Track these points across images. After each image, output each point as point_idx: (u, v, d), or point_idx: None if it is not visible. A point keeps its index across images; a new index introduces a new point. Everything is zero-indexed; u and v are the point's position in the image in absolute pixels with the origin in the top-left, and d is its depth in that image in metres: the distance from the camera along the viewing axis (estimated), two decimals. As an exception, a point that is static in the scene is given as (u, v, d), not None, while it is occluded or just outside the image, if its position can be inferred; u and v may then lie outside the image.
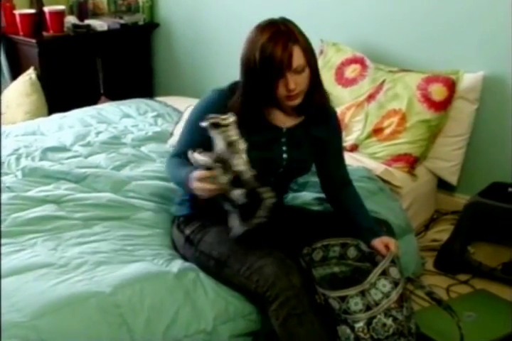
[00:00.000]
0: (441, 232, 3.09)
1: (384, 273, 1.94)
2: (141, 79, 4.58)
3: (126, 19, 4.34)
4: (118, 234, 2.23)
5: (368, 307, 1.91)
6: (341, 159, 2.31)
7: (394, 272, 1.96)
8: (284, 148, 2.14)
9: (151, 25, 4.50)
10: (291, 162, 2.17)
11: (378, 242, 2.09)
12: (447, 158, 3.14)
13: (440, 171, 3.17)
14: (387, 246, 2.07)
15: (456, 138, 3.12)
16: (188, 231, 2.16)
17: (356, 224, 2.19)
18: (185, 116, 3.36)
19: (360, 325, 1.91)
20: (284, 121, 2.14)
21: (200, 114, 1.97)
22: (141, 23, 4.42)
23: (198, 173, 1.86)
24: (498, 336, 2.34)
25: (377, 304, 1.91)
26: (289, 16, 3.66)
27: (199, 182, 1.85)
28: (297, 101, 2.03)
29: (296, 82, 1.96)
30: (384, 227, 2.27)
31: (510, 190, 2.83)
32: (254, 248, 2.00)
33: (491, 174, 3.08)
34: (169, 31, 4.46)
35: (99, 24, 4.25)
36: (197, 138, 2.02)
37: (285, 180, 2.31)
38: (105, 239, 2.19)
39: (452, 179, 3.19)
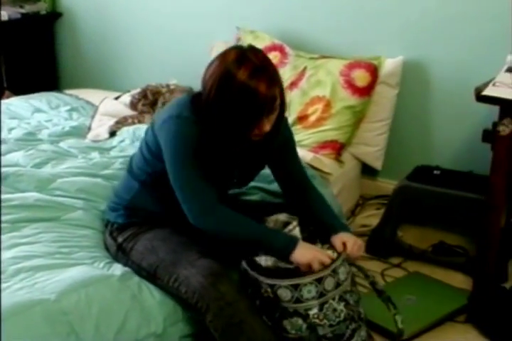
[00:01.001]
0: (369, 217, 3.12)
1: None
2: (46, 72, 4.36)
3: (28, 8, 4.12)
4: (50, 236, 2.10)
5: (322, 294, 1.87)
6: (299, 161, 2.22)
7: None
8: (236, 172, 2.07)
9: (54, 15, 4.28)
10: (240, 181, 2.13)
11: (336, 239, 2.00)
12: (371, 143, 3.16)
13: (364, 156, 3.19)
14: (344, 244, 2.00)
15: (379, 123, 3.14)
16: (120, 240, 2.07)
17: (317, 220, 2.10)
18: (101, 109, 3.26)
19: (314, 311, 1.87)
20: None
21: (187, 153, 1.88)
22: (43, 12, 4.21)
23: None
24: (441, 316, 2.39)
25: (330, 291, 1.88)
26: (201, 4, 3.65)
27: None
28: (261, 138, 1.93)
29: (269, 122, 1.87)
30: None
31: (435, 172, 2.89)
32: (181, 255, 1.92)
33: (414, 158, 3.13)
34: (73, 21, 4.27)
35: (-2, 14, 4.01)
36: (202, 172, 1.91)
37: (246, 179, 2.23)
38: (38, 242, 2.06)
39: (377, 164, 3.22)
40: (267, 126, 1.86)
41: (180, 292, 1.86)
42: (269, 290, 1.87)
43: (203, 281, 1.81)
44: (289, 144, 2.17)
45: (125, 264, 2.01)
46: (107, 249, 2.11)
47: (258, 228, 1.93)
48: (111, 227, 2.12)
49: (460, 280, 2.65)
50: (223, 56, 1.84)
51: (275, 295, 1.87)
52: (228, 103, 1.80)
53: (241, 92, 1.77)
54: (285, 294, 1.86)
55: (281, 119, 1.96)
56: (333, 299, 1.88)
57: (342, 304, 1.89)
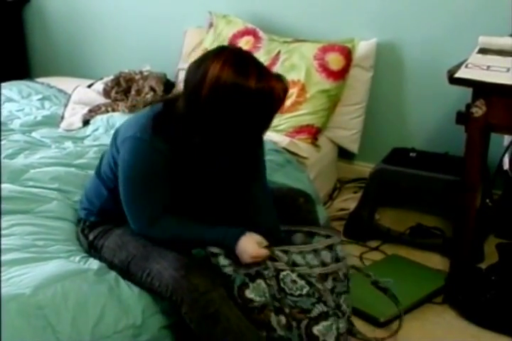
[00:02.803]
0: (347, 201, 3.12)
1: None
2: (16, 60, 4.28)
3: (-6, -5, 4.04)
4: (25, 229, 2.07)
5: (272, 258, 1.89)
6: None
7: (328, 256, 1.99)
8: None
9: (21, 1, 4.19)
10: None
11: None
12: (347, 127, 3.15)
13: (341, 140, 3.19)
14: None
15: (355, 106, 3.13)
16: (91, 237, 2.04)
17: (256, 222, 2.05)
18: (74, 97, 3.22)
19: (267, 271, 1.89)
20: None
21: (140, 174, 1.86)
22: (10, -2, 4.12)
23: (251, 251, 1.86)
24: (419, 298, 2.40)
25: (284, 262, 1.90)
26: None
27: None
28: None
29: None
30: (302, 198, 2.22)
31: (411, 154, 2.89)
32: (152, 249, 1.90)
33: (391, 140, 3.13)
34: (41, 7, 4.19)
35: (-39, 1, 3.94)
36: (165, 192, 1.90)
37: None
38: (12, 234, 2.03)
39: (353, 147, 3.22)
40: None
41: (154, 286, 1.85)
42: (232, 257, 1.87)
43: (174, 274, 1.80)
44: None
45: (99, 261, 1.98)
46: (81, 245, 2.09)
47: (199, 229, 1.92)
48: (83, 224, 2.09)
49: (438, 262, 2.67)
50: (212, 60, 1.76)
51: (236, 263, 1.87)
52: (244, 110, 1.75)
53: (258, 97, 1.73)
54: None
55: None
56: (292, 271, 1.90)
57: (303, 281, 1.90)
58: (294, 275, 1.90)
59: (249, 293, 1.88)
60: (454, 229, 2.47)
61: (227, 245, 1.87)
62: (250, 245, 1.86)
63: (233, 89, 1.72)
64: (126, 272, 1.92)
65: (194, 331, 1.82)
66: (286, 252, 1.92)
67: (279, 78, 1.80)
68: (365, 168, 3.19)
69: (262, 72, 1.76)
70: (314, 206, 2.29)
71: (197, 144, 1.85)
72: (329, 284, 1.95)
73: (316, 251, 1.97)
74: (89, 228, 2.07)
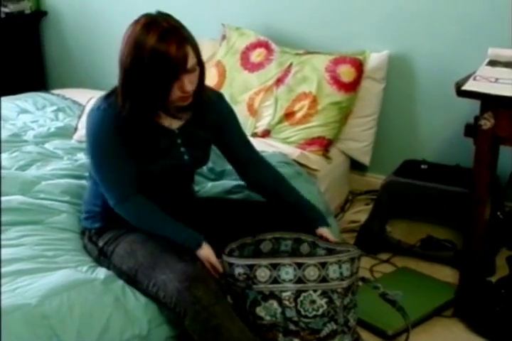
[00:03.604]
0: (358, 213, 3.12)
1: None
2: (33, 72, 4.35)
3: (12, 8, 4.10)
4: (34, 239, 2.09)
5: (300, 280, 1.88)
6: (244, 136, 2.24)
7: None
8: (182, 149, 2.08)
9: (39, 14, 4.27)
10: (193, 160, 2.12)
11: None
12: (359, 139, 3.15)
13: (352, 152, 3.18)
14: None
15: (366, 118, 3.13)
16: (101, 243, 2.07)
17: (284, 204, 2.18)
18: (88, 109, 3.23)
19: (287, 294, 1.88)
20: (172, 122, 2.05)
21: (102, 144, 1.96)
22: (27, 11, 4.19)
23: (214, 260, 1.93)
24: (428, 311, 2.39)
25: (311, 280, 1.89)
26: (187, 2, 3.63)
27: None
28: (190, 100, 1.95)
29: (191, 82, 1.89)
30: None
31: (422, 167, 2.89)
32: (159, 259, 1.92)
33: (402, 152, 3.13)
34: (58, 19, 4.25)
35: (-19, 14, 4.00)
36: (126, 164, 1.97)
37: (190, 174, 2.25)
38: (21, 245, 2.05)
39: (365, 159, 3.21)
40: (189, 86, 1.88)
41: (159, 296, 1.86)
42: (247, 272, 1.88)
43: (179, 286, 1.81)
44: (229, 121, 2.19)
45: (108, 268, 2.00)
46: (89, 254, 2.10)
47: (168, 223, 1.98)
48: (89, 233, 2.12)
49: (448, 275, 2.65)
50: (134, 24, 1.88)
51: (251, 278, 1.88)
52: (143, 68, 1.82)
53: (152, 56, 1.80)
54: (263, 273, 1.88)
55: (203, 78, 1.97)
56: (315, 291, 1.89)
57: (324, 300, 1.89)
58: (315, 295, 1.89)
59: (259, 311, 1.89)
60: (464, 242, 2.45)
61: (187, 246, 1.93)
62: (211, 255, 1.93)
63: (135, 43, 1.82)
64: (133, 280, 1.93)
65: None
66: (323, 265, 1.90)
67: (181, 44, 1.82)
68: (377, 179, 3.18)
69: (167, 35, 1.81)
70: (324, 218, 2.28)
71: (128, 111, 1.90)
72: (347, 299, 1.94)
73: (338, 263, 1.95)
74: (97, 235, 2.09)
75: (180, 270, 1.85)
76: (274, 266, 1.89)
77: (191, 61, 1.85)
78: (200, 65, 1.92)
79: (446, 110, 3.00)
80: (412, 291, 2.46)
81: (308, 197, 2.48)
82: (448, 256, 2.74)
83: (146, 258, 1.93)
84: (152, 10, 3.83)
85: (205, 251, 1.93)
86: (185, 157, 2.08)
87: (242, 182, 2.37)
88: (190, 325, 1.80)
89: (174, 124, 2.06)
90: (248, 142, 2.24)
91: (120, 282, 1.93)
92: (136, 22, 1.87)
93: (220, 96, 2.19)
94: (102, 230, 2.08)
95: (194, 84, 1.91)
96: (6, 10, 4.09)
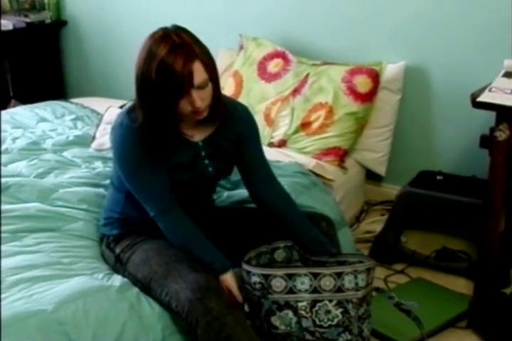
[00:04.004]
0: (373, 223, 3.12)
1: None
2: (52, 80, 4.41)
3: (32, 17, 4.17)
4: (51, 246, 2.12)
5: (316, 290, 1.89)
6: (262, 152, 2.19)
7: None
8: (207, 161, 2.08)
9: (59, 23, 4.33)
10: (217, 172, 2.12)
11: None
12: (374, 149, 3.16)
13: (368, 162, 3.19)
14: None
15: (382, 129, 3.14)
16: (118, 250, 2.08)
17: (294, 234, 2.11)
18: (106, 118, 3.28)
19: (303, 303, 1.89)
20: (195, 134, 2.05)
21: (130, 160, 1.98)
22: (48, 21, 4.26)
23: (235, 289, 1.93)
24: (442, 322, 2.39)
25: (326, 290, 1.89)
26: (205, 12, 3.67)
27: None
28: (204, 114, 1.94)
29: (202, 98, 1.88)
30: (324, 223, 2.24)
31: (438, 178, 2.88)
32: (173, 268, 1.93)
33: (418, 163, 3.13)
34: (78, 29, 4.31)
35: (3, 23, 4.05)
36: (157, 174, 1.98)
37: (212, 185, 2.27)
38: (38, 252, 2.08)
39: (380, 170, 3.22)
40: (199, 102, 1.86)
41: (171, 305, 1.87)
42: (263, 281, 1.89)
43: (190, 296, 1.82)
44: (251, 134, 2.16)
45: (123, 275, 2.02)
46: (106, 261, 2.12)
47: (203, 241, 2.00)
48: (107, 240, 2.14)
49: (463, 286, 2.65)
50: (149, 37, 1.89)
51: (266, 288, 1.88)
52: (151, 80, 1.83)
53: (159, 69, 1.81)
54: (279, 284, 1.89)
55: (218, 94, 1.96)
56: (330, 301, 1.90)
57: (339, 310, 1.90)
58: (330, 305, 1.89)
59: (274, 320, 1.90)
60: (479, 253, 2.44)
61: (214, 268, 1.94)
62: (234, 284, 1.94)
63: (146, 57, 1.84)
64: (147, 288, 1.94)
65: None
66: (339, 275, 1.91)
67: (189, 60, 1.82)
68: (392, 190, 3.18)
69: (177, 49, 1.82)
70: (335, 230, 2.29)
71: (144, 122, 1.92)
72: (362, 310, 1.94)
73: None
74: (114, 242, 2.11)
75: (193, 280, 1.86)
76: (290, 276, 1.89)
77: (200, 77, 1.84)
78: (213, 80, 1.91)
79: (462, 121, 3.01)
80: (427, 302, 2.44)
81: (323, 207, 2.51)
82: (463, 267, 2.74)
83: (161, 267, 1.94)
84: (170, 19, 3.88)
85: (229, 279, 1.94)
86: (210, 169, 2.09)
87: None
88: (202, 335, 1.81)
89: (198, 135, 2.05)
90: (264, 159, 2.20)
91: (135, 290, 1.95)
92: (152, 35, 1.89)
93: (245, 109, 2.18)
94: (120, 237, 2.10)
95: (206, 100, 1.90)
96: (27, 20, 4.15)
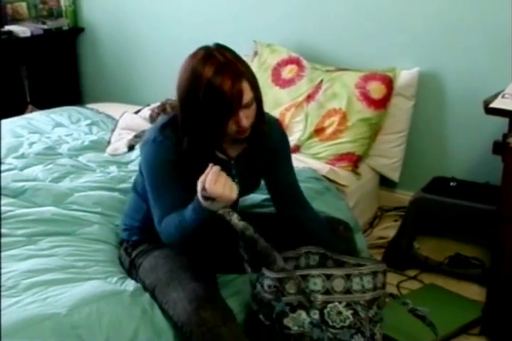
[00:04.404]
0: (387, 229, 3.12)
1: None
2: (69, 86, 4.45)
3: (50, 24, 4.21)
4: (66, 250, 2.14)
5: (328, 291, 1.90)
6: (292, 168, 2.18)
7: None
8: (236, 180, 2.00)
9: (76, 30, 4.37)
10: (244, 190, 2.07)
11: None
12: (388, 155, 3.16)
13: (382, 168, 3.20)
14: None
15: (396, 135, 3.14)
16: (133, 255, 2.10)
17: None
18: (121, 123, 3.31)
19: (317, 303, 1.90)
20: (228, 152, 2.02)
21: (157, 176, 1.93)
22: (65, 28, 4.29)
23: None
24: (455, 328, 2.39)
25: (337, 292, 1.91)
26: (219, 18, 3.69)
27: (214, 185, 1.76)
28: (247, 134, 1.91)
29: (247, 116, 1.85)
30: (341, 227, 2.26)
31: (452, 184, 2.88)
32: (176, 277, 1.93)
33: (431, 169, 3.13)
34: (95, 36, 4.35)
35: (21, 30, 4.10)
36: (179, 194, 1.92)
37: (236, 201, 2.22)
38: (53, 255, 2.10)
39: (394, 176, 3.22)
40: (245, 121, 1.84)
41: (170, 314, 1.88)
42: (277, 285, 1.87)
43: (186, 306, 1.81)
44: (281, 151, 2.14)
45: (136, 280, 2.03)
46: (122, 265, 2.14)
47: (181, 214, 1.91)
48: (126, 244, 2.15)
49: (476, 292, 2.64)
50: (191, 57, 1.85)
51: (281, 291, 1.88)
52: (198, 101, 1.79)
53: (207, 90, 1.77)
54: (293, 286, 1.88)
55: (261, 112, 1.94)
56: (340, 302, 1.91)
57: (349, 312, 1.91)
58: (341, 306, 1.90)
59: (287, 322, 1.89)
60: (492, 260, 2.44)
61: (198, 205, 1.81)
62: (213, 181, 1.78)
63: (192, 75, 1.80)
64: (152, 294, 1.96)
65: None
66: (348, 277, 1.93)
67: (237, 79, 1.78)
68: (406, 196, 3.18)
69: (223, 69, 1.78)
70: (353, 234, 2.31)
71: (187, 145, 1.89)
72: (372, 312, 1.95)
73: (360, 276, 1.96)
74: (132, 246, 2.12)
75: (192, 289, 1.86)
76: (303, 277, 1.89)
77: (247, 96, 1.81)
78: (257, 99, 1.88)
79: (476, 127, 3.01)
80: (439, 308, 2.44)
81: (337, 212, 2.52)
82: (476, 273, 2.73)
83: (165, 275, 1.94)
84: (185, 26, 3.93)
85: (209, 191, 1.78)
86: (238, 187, 2.05)
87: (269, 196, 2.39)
88: None
89: (230, 153, 2.02)
90: (294, 176, 2.18)
91: (148, 294, 1.96)
92: (194, 55, 1.85)
93: (276, 123, 2.15)
94: (138, 243, 2.11)
95: (251, 119, 1.87)
96: (45, 26, 4.20)
